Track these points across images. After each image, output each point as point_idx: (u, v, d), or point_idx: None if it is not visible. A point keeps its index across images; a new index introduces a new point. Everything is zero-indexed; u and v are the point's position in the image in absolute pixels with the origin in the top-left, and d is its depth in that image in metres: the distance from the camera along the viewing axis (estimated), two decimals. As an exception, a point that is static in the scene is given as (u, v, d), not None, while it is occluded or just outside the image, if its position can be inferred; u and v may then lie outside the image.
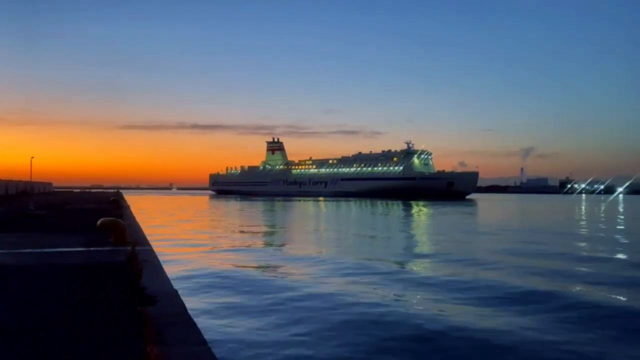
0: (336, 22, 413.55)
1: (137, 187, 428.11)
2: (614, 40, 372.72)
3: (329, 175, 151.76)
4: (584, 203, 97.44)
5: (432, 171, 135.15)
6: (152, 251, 9.12)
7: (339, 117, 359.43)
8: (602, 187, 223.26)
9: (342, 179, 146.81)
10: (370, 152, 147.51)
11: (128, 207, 28.55)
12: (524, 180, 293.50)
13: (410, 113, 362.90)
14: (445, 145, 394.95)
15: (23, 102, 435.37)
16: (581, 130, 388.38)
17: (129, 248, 7.75)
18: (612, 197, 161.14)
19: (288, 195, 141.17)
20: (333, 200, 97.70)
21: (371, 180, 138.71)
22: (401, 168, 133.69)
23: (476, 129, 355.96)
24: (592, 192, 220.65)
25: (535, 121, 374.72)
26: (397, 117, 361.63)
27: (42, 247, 9.35)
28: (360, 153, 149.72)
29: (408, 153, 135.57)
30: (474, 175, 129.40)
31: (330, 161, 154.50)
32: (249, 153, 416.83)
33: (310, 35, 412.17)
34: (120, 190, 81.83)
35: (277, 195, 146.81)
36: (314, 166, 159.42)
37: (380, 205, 70.76)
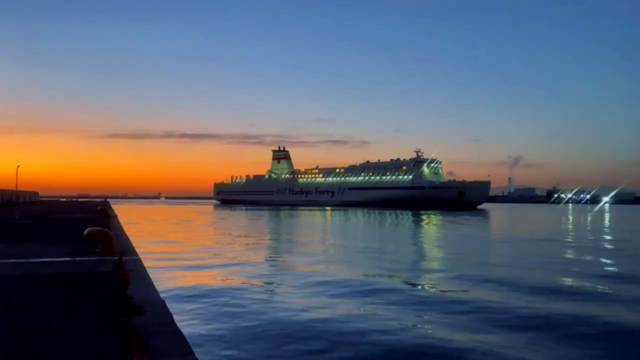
0: (324, 31, 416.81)
1: (125, 197, 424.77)
2: (601, 52, 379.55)
3: (336, 185, 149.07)
4: (575, 212, 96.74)
5: (442, 180, 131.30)
6: (139, 261, 9.02)
7: (327, 127, 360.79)
8: (588, 196, 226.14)
9: (350, 188, 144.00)
10: (379, 160, 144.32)
11: (116, 216, 28.26)
12: (512, 190, 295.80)
13: (399, 123, 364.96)
14: (433, 155, 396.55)
15: (9, 110, 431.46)
16: (568, 141, 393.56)
17: (116, 258, 7.66)
18: (598, 206, 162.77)
19: (294, 205, 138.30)
20: (340, 210, 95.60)
21: (379, 190, 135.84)
22: (410, 177, 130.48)
23: (464, 139, 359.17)
24: (579, 202, 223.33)
25: (522, 131, 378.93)
26: (385, 126, 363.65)
27: (27, 256, 9.21)
28: (368, 162, 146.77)
29: (417, 161, 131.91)
30: (485, 185, 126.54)
31: (338, 170, 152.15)
32: (237, 162, 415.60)
33: (298, 44, 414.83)
34: (108, 200, 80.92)
35: (283, 204, 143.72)
36: (321, 175, 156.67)
37: (390, 215, 68.64)
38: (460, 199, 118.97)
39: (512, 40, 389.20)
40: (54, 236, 13.81)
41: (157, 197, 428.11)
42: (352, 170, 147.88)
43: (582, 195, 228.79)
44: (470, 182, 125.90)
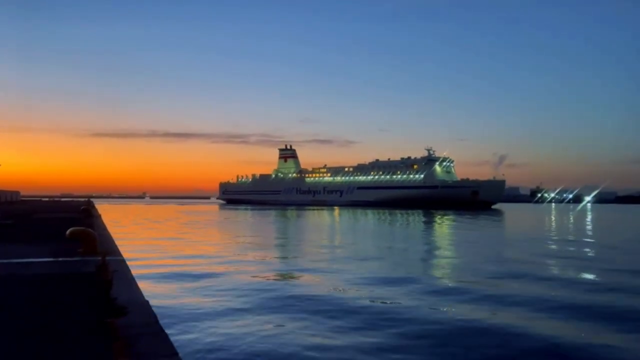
0: (311, 31, 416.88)
1: (109, 196, 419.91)
2: (584, 54, 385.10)
3: (345, 184, 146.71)
4: (568, 212, 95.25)
5: (454, 179, 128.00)
6: (123, 261, 8.91)
7: (313, 126, 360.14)
8: (570, 196, 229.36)
9: (359, 188, 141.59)
10: (389, 159, 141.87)
11: (99, 216, 27.91)
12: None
13: (384, 122, 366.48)
14: (418, 155, 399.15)
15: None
16: (551, 141, 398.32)
17: (99, 258, 7.55)
18: (580, 206, 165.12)
19: (301, 205, 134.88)
20: (350, 210, 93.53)
21: (390, 189, 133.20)
22: (422, 176, 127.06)
23: (449, 138, 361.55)
24: (561, 201, 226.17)
25: (506, 131, 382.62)
26: (370, 126, 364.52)
27: (7, 257, 9.08)
28: (377, 160, 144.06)
29: (429, 160, 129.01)
30: (500, 184, 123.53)
31: (346, 169, 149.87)
32: (223, 162, 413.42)
33: (285, 43, 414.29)
34: (92, 199, 79.64)
35: (290, 204, 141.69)
36: (329, 174, 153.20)
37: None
38: (474, 198, 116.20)
39: (496, 40, 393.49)
40: (36, 236, 13.59)
41: (142, 197, 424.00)
42: (361, 169, 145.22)
43: (564, 195, 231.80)
44: (484, 181, 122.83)
